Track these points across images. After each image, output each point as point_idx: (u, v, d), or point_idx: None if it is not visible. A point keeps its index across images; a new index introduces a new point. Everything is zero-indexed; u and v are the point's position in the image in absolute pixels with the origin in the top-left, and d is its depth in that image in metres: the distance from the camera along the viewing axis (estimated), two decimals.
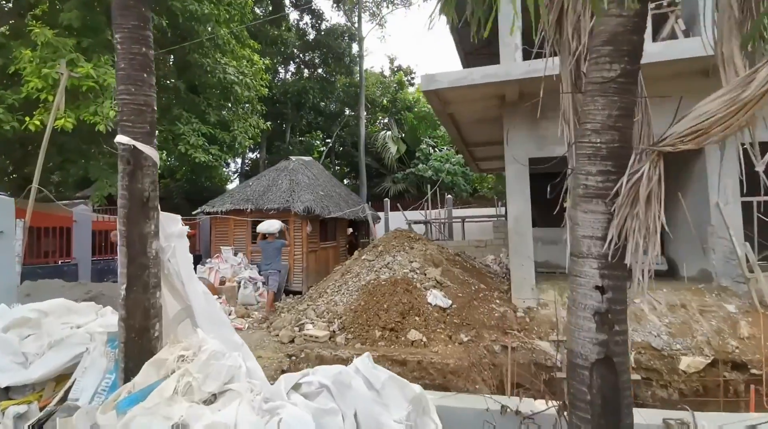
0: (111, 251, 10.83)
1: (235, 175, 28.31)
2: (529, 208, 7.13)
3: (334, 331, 6.36)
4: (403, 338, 6.02)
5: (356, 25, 24.73)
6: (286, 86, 23.07)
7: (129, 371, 1.82)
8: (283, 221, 9.83)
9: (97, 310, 2.52)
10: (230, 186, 28.94)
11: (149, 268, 1.90)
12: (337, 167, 27.95)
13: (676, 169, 7.45)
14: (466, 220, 17.10)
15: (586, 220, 1.83)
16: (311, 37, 24.75)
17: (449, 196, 18.76)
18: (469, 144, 10.90)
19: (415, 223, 16.16)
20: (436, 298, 6.68)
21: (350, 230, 14.41)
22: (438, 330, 6.20)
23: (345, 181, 26.33)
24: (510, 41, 7.18)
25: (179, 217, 2.10)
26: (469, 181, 22.74)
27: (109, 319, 2.30)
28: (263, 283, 9.35)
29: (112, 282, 9.28)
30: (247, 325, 7.34)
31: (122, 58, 1.96)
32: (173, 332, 1.94)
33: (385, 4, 26.61)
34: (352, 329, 6.27)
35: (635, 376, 5.61)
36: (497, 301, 7.03)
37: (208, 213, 11.14)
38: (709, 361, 5.32)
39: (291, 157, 13.69)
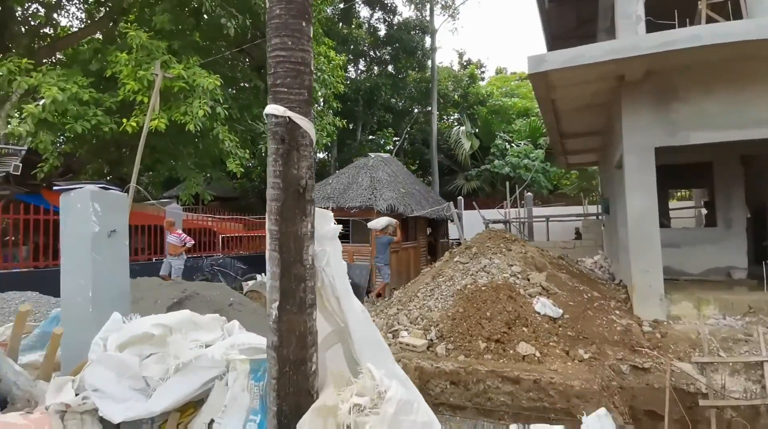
0: (198, 249, 11.09)
1: None
2: (656, 204, 6.15)
3: (431, 340, 5.82)
4: (511, 351, 5.35)
5: (428, 18, 24.11)
6: (358, 84, 22.97)
7: (283, 416, 1.39)
8: (365, 220, 9.49)
9: (223, 325, 2.17)
10: None
11: (305, 280, 1.46)
12: (406, 165, 27.53)
13: None
14: (551, 219, 15.91)
15: None
16: (382, 32, 24.49)
17: (529, 193, 17.59)
18: (564, 135, 9.92)
19: (493, 222, 15.26)
20: (544, 306, 5.93)
21: (428, 230, 13.85)
22: (551, 343, 5.46)
23: None
24: (630, 11, 6.25)
25: (331, 213, 1.66)
26: (549, 178, 21.33)
27: (240, 337, 1.91)
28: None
29: (201, 280, 9.44)
30: None
31: (276, 2, 1.54)
32: (322, 362, 1.50)
33: None
34: (452, 338, 5.69)
35: None
36: (617, 313, 6.12)
37: None
38: None
39: (370, 153, 13.37)
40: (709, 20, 6.13)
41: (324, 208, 8.06)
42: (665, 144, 5.99)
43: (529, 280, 6.54)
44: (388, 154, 15.47)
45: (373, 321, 6.92)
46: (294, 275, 1.45)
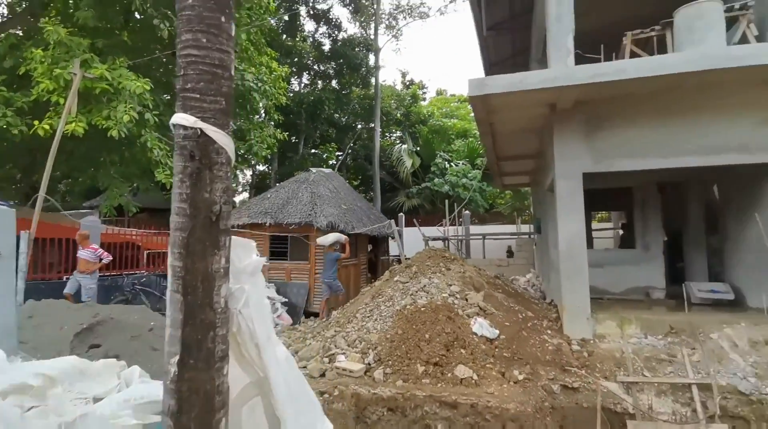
0: (119, 267, 10.16)
1: (243, 187, 27.77)
2: (584, 228, 6.45)
3: (369, 364, 5.64)
4: (449, 374, 5.29)
5: (372, 36, 24.44)
6: (301, 97, 22.67)
7: None
8: (304, 237, 9.19)
9: (120, 372, 1.85)
10: (237, 198, 28.42)
11: (215, 327, 1.21)
12: (348, 181, 27.42)
13: (747, 188, 6.77)
14: (487, 237, 16.40)
15: None
16: (327, 47, 24.45)
17: (467, 212, 18.08)
18: (501, 157, 10.27)
19: (433, 239, 15.48)
20: (482, 327, 5.96)
21: (369, 247, 13.73)
22: (488, 365, 5.47)
23: None
24: (561, 44, 6.58)
25: (253, 243, 1.44)
26: (485, 198, 22.10)
27: (139, 389, 1.61)
28: (282, 304, 8.70)
29: (118, 302, 8.60)
30: None
31: None
32: (237, 423, 1.27)
33: (401, 16, 26.35)
34: (391, 362, 5.54)
35: (722, 426, 4.86)
36: (548, 332, 6.28)
37: None
38: None
39: (311, 168, 13.09)
40: (634, 55, 6.60)
41: (261, 223, 7.66)
42: (592, 170, 6.31)
43: (467, 300, 6.57)
44: (331, 170, 15.26)
45: (309, 344, 6.61)
46: (201, 322, 1.20)
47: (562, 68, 6.10)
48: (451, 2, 24.95)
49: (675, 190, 9.14)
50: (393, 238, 11.92)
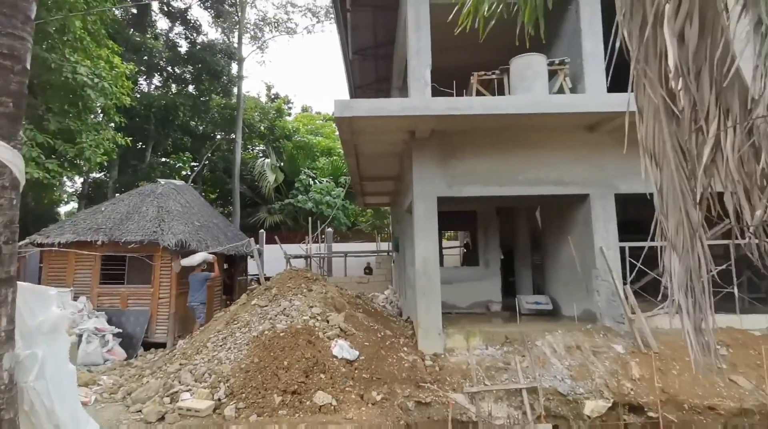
0: None
1: (73, 197, 23.71)
2: (437, 248, 6.95)
3: (219, 400, 5.14)
4: (308, 402, 5.11)
5: (236, 44, 23.33)
6: (151, 99, 20.38)
7: None
8: (147, 257, 8.13)
9: None
10: (63, 209, 24.19)
11: None
12: (204, 194, 25.36)
13: (562, 215, 8.04)
14: (348, 255, 16.66)
15: None
16: (183, 49, 22.54)
17: (329, 229, 18.18)
18: (364, 178, 10.57)
19: (295, 257, 15.16)
20: (342, 349, 5.92)
21: (225, 266, 12.74)
22: (347, 388, 5.44)
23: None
24: (420, 76, 7.10)
25: (53, 291, 1.12)
26: (348, 215, 22.51)
27: None
28: (114, 336, 7.50)
29: None
30: (94, 397, 5.55)
31: None
32: None
33: (267, 29, 25.74)
34: (244, 395, 5.14)
35: (546, 426, 5.58)
36: (405, 349, 6.54)
37: (41, 244, 8.62)
38: (610, 404, 5.51)
39: (159, 179, 11.70)
40: (480, 93, 7.42)
41: (90, 241, 6.49)
42: (445, 195, 6.86)
43: (328, 321, 6.49)
44: (183, 182, 13.90)
45: (147, 382, 5.77)
46: None
47: (420, 98, 6.55)
48: (317, 23, 25.20)
49: (509, 214, 10.47)
50: (252, 256, 11.29)
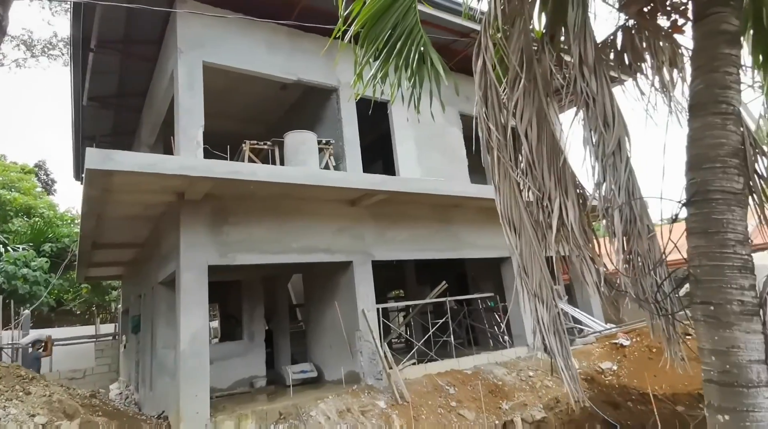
0: None
1: None
2: (207, 322, 6.25)
3: None
4: None
5: None
6: None
7: None
8: None
9: None
10: None
11: None
12: None
13: (327, 281, 8.53)
14: (56, 343, 12.87)
15: (751, 342, 1.69)
16: None
17: (26, 311, 13.80)
18: (99, 245, 8.70)
19: None
20: None
21: None
22: None
23: None
24: (192, 136, 6.68)
25: None
26: (51, 292, 17.58)
27: None
28: None
29: None
30: None
31: None
32: None
33: None
34: None
35: None
36: None
37: None
38: None
39: None
40: (251, 160, 7.42)
41: None
42: (217, 263, 6.35)
43: None
44: None
45: None
46: None
47: (197, 159, 6.10)
48: (32, 57, 20.34)
49: (274, 283, 10.40)
50: None
